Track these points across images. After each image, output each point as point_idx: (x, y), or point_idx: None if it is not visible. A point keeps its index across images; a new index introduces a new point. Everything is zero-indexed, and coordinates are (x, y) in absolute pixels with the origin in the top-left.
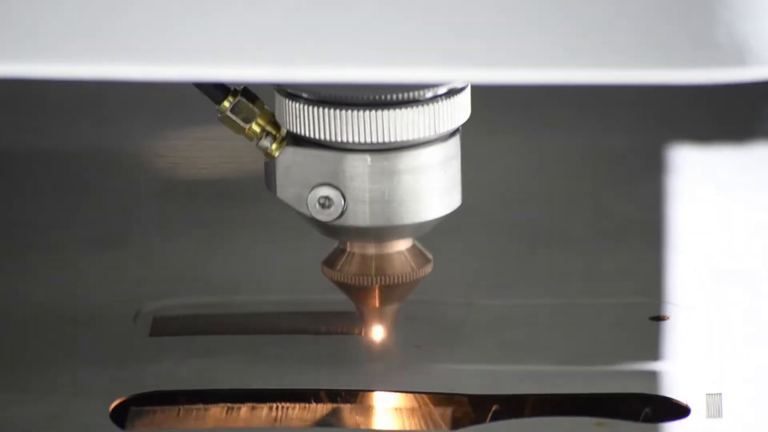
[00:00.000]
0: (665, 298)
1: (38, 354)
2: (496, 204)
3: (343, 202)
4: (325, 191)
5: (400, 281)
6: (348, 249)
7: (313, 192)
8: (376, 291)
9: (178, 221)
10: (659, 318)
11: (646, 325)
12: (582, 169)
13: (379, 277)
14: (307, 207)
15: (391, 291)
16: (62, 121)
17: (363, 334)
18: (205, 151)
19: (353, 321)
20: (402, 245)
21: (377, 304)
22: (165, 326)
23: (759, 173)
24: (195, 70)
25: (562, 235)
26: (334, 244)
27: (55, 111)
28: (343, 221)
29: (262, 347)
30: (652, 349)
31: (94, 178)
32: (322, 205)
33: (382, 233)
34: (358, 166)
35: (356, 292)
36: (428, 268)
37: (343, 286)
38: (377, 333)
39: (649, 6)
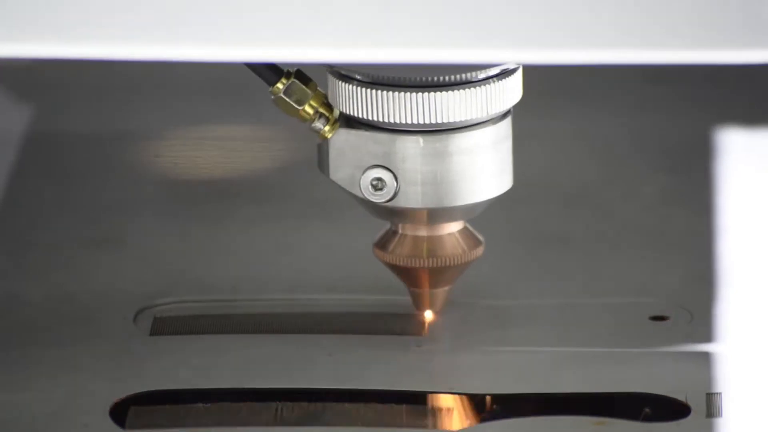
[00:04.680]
0: (665, 298)
1: (38, 354)
2: (496, 204)
3: (395, 184)
4: (377, 173)
5: (452, 263)
6: (400, 231)
7: (365, 174)
8: (428, 273)
9: (178, 221)
10: (659, 318)
11: (646, 325)
12: (583, 169)
13: (430, 259)
14: (360, 189)
15: (442, 273)
16: (62, 121)
17: (417, 312)
18: (205, 151)
19: (353, 321)
20: (453, 227)
21: (428, 286)
22: (165, 326)
23: (760, 174)
24: (249, 52)
25: (562, 235)
26: (335, 244)
27: (55, 111)
28: (395, 203)
29: (262, 347)
30: (652, 350)
31: (94, 178)
32: (375, 187)
33: (434, 215)
34: (411, 147)
35: (407, 273)
36: (479, 251)
37: (395, 268)
38: (427, 315)
39: None
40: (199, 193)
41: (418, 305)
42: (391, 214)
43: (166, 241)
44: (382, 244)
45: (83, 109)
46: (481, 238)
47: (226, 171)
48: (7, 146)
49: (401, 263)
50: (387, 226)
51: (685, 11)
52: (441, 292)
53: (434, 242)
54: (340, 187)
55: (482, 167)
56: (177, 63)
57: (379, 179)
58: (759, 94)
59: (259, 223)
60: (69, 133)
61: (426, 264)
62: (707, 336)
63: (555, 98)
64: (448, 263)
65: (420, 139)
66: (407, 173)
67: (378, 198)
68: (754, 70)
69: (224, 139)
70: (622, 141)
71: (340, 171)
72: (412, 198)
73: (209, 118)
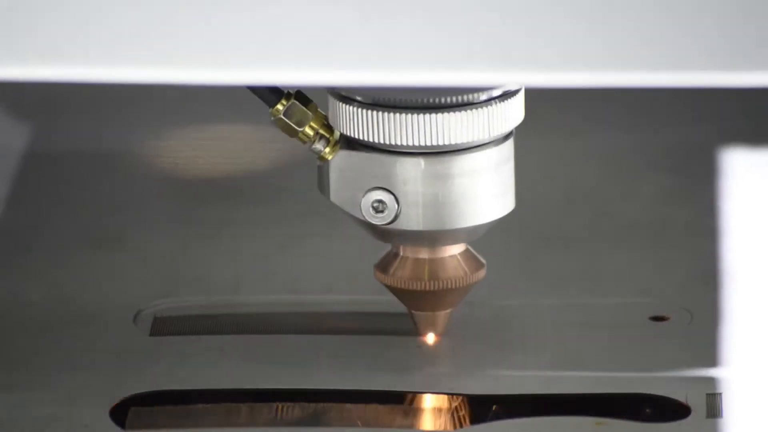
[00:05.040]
0: (665, 298)
1: (38, 354)
2: None
3: (396, 206)
4: (378, 195)
5: (453, 286)
6: (401, 253)
7: (366, 196)
8: (429, 296)
9: (178, 221)
10: (659, 318)
11: (646, 325)
12: (583, 168)
13: (432, 282)
14: (361, 211)
15: (444, 296)
16: (62, 121)
17: (419, 335)
18: (205, 151)
19: (353, 321)
20: (455, 249)
21: (430, 309)
22: (165, 326)
23: (760, 174)
24: (249, 74)
25: (562, 235)
26: (335, 244)
27: (56, 111)
28: (396, 225)
29: (262, 347)
30: (652, 349)
31: (94, 178)
32: (376, 209)
33: (435, 237)
34: (412, 169)
35: (409, 296)
36: (481, 273)
37: (396, 291)
38: (429, 338)
39: (709, 8)
40: (199, 193)
41: (420, 328)
42: (392, 236)
43: (166, 241)
44: (383, 266)
45: (83, 109)
46: (483, 260)
47: (226, 171)
48: (9, 147)
49: (402, 286)
50: (388, 248)
51: (686, 33)
52: (443, 314)
53: (436, 265)
54: (340, 209)
55: (484, 189)
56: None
57: (380, 201)
58: (760, 94)
59: (259, 223)
60: (69, 134)
61: (427, 287)
62: (707, 336)
63: (555, 98)
64: (449, 286)
65: (421, 161)
66: (408, 195)
67: (379, 220)
68: None
69: (224, 139)
70: (622, 141)
71: (340, 193)
72: (414, 220)
73: (209, 118)
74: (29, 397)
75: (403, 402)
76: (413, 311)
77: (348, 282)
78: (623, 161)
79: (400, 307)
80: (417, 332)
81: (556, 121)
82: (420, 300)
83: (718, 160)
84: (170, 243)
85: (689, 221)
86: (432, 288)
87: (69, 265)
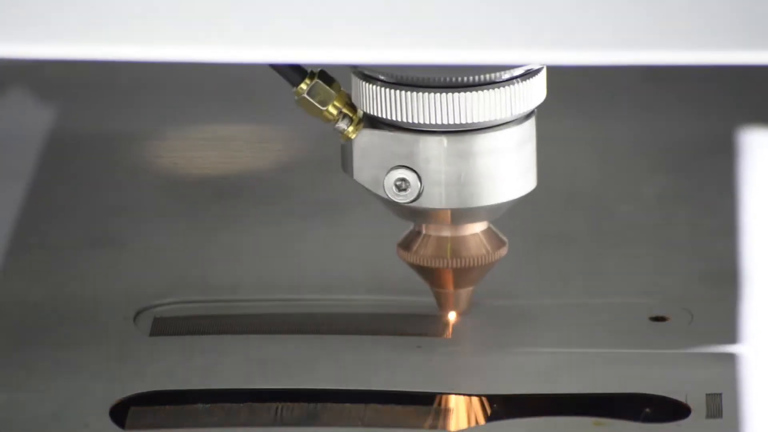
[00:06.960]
0: (665, 299)
1: (38, 354)
2: None
3: (419, 185)
4: (401, 173)
5: (475, 264)
6: (423, 231)
7: (389, 174)
8: (451, 273)
9: (178, 221)
10: (659, 318)
11: (646, 325)
12: (583, 168)
13: (454, 260)
14: (384, 189)
15: (466, 273)
16: (62, 120)
17: (441, 316)
18: (205, 151)
19: (353, 321)
20: (477, 227)
21: (452, 287)
22: (165, 326)
23: (761, 174)
24: (273, 52)
25: (562, 235)
26: (335, 244)
27: (55, 111)
28: (419, 203)
29: (262, 347)
30: (652, 349)
31: (94, 178)
32: (399, 188)
33: (457, 215)
34: (434, 148)
35: (431, 274)
36: (503, 251)
37: (418, 269)
38: (451, 316)
39: None
40: (199, 193)
41: (442, 306)
42: (415, 214)
43: (166, 241)
44: (406, 244)
45: (83, 109)
46: (504, 238)
47: (226, 171)
48: (8, 148)
49: (425, 264)
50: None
51: (691, 11)
52: (465, 292)
53: (458, 243)
54: (363, 187)
55: (506, 168)
56: (180, 62)
57: (403, 180)
58: (763, 92)
59: (259, 223)
60: (69, 134)
61: (450, 264)
62: (707, 336)
63: (556, 98)
64: (471, 264)
65: (444, 140)
66: (431, 174)
67: (402, 198)
68: (754, 69)
69: (224, 139)
70: (622, 141)
71: (363, 172)
72: (436, 198)
73: (209, 118)
74: (29, 397)
75: (403, 402)
76: (435, 289)
77: (348, 282)
78: (624, 161)
79: (401, 308)
80: (439, 309)
81: (556, 121)
82: (442, 278)
83: (719, 160)
84: (170, 243)
85: (690, 221)
86: (454, 266)
87: (69, 265)
